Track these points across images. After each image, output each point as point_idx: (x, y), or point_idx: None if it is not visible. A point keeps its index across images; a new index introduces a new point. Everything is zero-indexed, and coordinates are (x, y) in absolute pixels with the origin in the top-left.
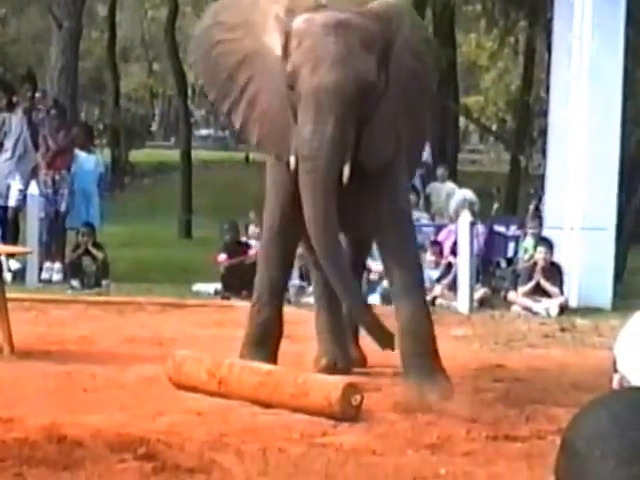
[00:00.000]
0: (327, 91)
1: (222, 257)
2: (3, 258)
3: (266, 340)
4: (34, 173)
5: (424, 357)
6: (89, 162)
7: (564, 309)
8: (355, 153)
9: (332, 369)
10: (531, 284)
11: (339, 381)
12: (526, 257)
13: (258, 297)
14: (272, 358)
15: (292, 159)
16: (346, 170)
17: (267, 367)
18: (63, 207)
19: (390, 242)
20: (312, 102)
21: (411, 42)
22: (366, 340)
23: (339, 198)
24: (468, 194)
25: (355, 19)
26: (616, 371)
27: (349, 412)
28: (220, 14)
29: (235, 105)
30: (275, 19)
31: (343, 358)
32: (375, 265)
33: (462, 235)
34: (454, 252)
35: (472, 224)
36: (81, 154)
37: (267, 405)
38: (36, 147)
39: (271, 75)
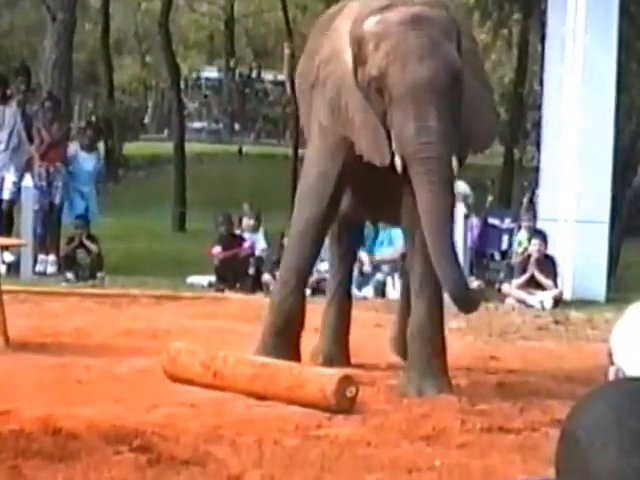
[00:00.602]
0: (423, 85)
1: (216, 249)
2: None
3: (289, 329)
4: (28, 165)
5: (429, 355)
6: (89, 162)
7: (558, 302)
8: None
9: (328, 366)
10: (525, 277)
11: (334, 373)
12: (520, 250)
13: (284, 284)
14: (295, 348)
15: (397, 161)
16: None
17: (262, 359)
18: (57, 200)
19: (418, 237)
20: (409, 99)
21: (463, 25)
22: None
23: (378, 184)
24: (462, 187)
25: (428, 11)
26: (612, 363)
27: (344, 404)
28: (310, 42)
29: (346, 129)
30: (348, 35)
31: (340, 356)
32: (368, 257)
33: (456, 228)
34: None
35: (466, 217)
36: (82, 154)
37: (262, 397)
38: (30, 139)
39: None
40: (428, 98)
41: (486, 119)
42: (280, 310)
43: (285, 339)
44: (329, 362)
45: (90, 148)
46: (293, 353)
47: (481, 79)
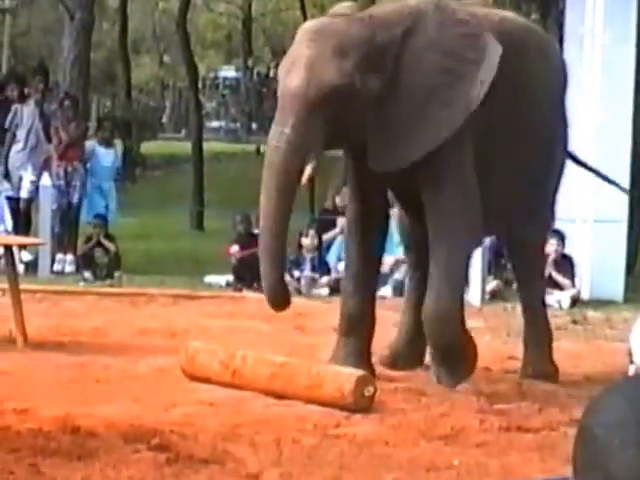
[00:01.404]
0: (289, 94)
1: (234, 249)
2: (15, 249)
3: (354, 331)
4: (46, 164)
5: (447, 341)
6: (108, 157)
7: (576, 301)
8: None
9: (389, 364)
10: None
11: (352, 373)
12: None
13: (343, 289)
14: (362, 348)
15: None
16: (307, 170)
17: (281, 358)
18: (75, 199)
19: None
20: (279, 103)
21: (442, 40)
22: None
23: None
24: None
25: (335, 25)
26: (631, 362)
27: (362, 403)
28: None
29: None
30: None
31: (405, 358)
32: (386, 257)
33: None
34: None
35: None
36: (100, 149)
37: (280, 396)
38: (48, 139)
39: None
40: (290, 107)
41: (398, 142)
42: (342, 313)
43: (351, 340)
44: (391, 362)
45: (107, 143)
46: (360, 353)
47: (426, 98)
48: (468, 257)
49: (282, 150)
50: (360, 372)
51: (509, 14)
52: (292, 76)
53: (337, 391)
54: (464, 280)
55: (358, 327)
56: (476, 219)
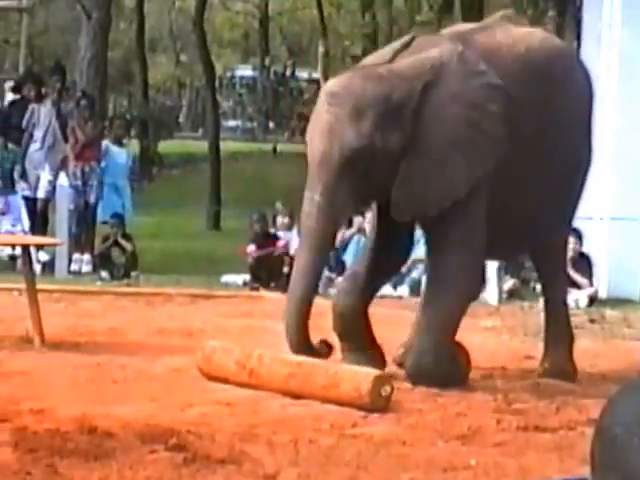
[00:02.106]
0: (316, 160)
1: (251, 248)
2: (33, 249)
3: (348, 334)
4: (63, 164)
5: (425, 326)
6: (121, 155)
7: (593, 300)
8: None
9: (403, 362)
10: None
11: (369, 372)
12: None
13: (339, 286)
14: (363, 348)
15: None
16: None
17: (297, 358)
18: (92, 199)
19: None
20: (309, 170)
21: (464, 93)
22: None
23: None
24: None
25: (352, 86)
26: None
27: (379, 403)
28: None
29: None
30: None
31: None
32: None
33: None
34: None
35: None
36: (114, 147)
37: (297, 396)
38: (65, 138)
39: None
40: (318, 174)
41: (418, 196)
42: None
43: (348, 346)
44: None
45: (120, 141)
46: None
47: (448, 151)
48: (461, 309)
49: (314, 217)
50: (377, 372)
51: (534, 37)
52: (315, 143)
53: (354, 391)
54: (454, 328)
55: (351, 329)
56: (476, 271)
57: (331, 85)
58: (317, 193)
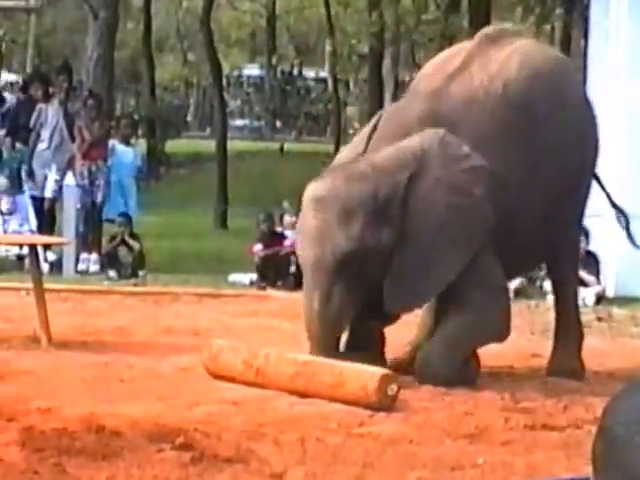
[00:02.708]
0: (309, 268)
1: (258, 247)
2: (40, 249)
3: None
4: (70, 164)
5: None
6: (127, 155)
7: (601, 298)
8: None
9: (412, 363)
10: None
11: (376, 371)
12: None
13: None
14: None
15: None
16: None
17: (304, 357)
18: (99, 198)
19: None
20: (304, 277)
21: (447, 177)
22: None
23: None
24: None
25: (336, 189)
26: None
27: (385, 402)
28: None
29: None
30: None
31: None
32: None
33: None
34: None
35: None
36: (120, 147)
37: (304, 395)
38: (72, 138)
39: None
40: (313, 281)
41: (409, 287)
42: None
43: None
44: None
45: (127, 140)
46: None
47: (435, 237)
48: (483, 340)
49: (315, 326)
50: (384, 371)
51: (519, 67)
52: (305, 250)
53: (361, 390)
54: (470, 346)
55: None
56: (507, 312)
57: (315, 190)
58: (315, 301)
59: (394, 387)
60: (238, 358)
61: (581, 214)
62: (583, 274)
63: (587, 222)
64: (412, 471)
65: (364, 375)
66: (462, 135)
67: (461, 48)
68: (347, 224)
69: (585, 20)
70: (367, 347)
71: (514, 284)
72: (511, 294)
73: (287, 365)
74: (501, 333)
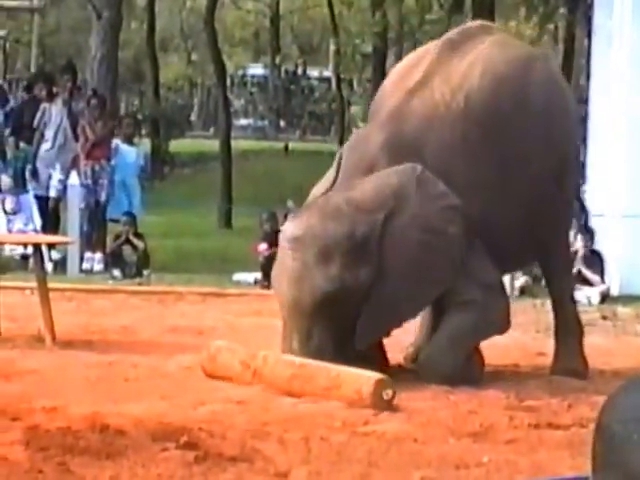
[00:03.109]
0: (288, 310)
1: (262, 246)
2: (44, 248)
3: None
4: (74, 163)
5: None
6: (131, 154)
7: (605, 297)
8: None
9: (415, 361)
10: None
11: (371, 375)
12: None
13: None
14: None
15: None
16: None
17: (300, 360)
18: (103, 197)
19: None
20: (283, 317)
21: (423, 216)
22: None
23: None
24: None
25: (313, 228)
26: None
27: (380, 406)
28: None
29: None
30: None
31: None
32: None
33: None
34: None
35: None
36: (123, 146)
37: (299, 397)
38: (76, 137)
39: None
40: (292, 322)
41: (374, 321)
42: None
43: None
44: (415, 358)
45: (130, 140)
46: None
47: (407, 276)
48: (483, 335)
49: None
50: (379, 375)
51: (496, 69)
52: (284, 291)
53: (356, 393)
54: (472, 342)
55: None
56: (506, 306)
57: (291, 229)
58: (295, 341)
59: (389, 392)
60: (236, 359)
61: (569, 211)
62: (588, 273)
63: (592, 222)
64: (417, 470)
65: (360, 379)
66: (426, 160)
67: (423, 56)
68: (325, 264)
69: (588, 20)
70: (368, 350)
71: (519, 282)
72: (516, 292)
73: (284, 367)
74: (501, 327)
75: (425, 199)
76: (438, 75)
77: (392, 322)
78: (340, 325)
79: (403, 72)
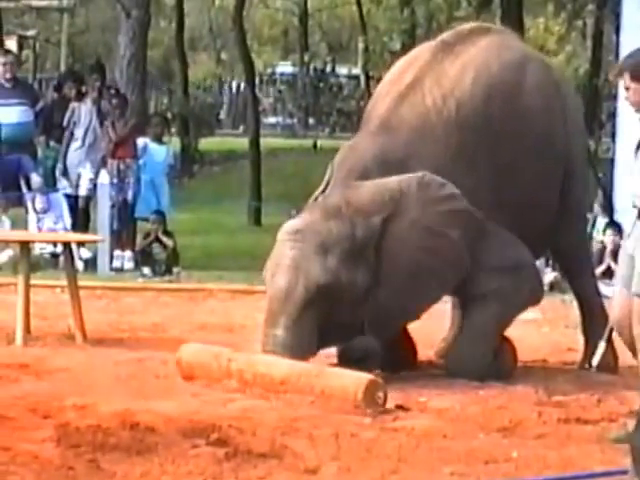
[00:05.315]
0: (277, 296)
1: None
2: (74, 247)
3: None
4: (104, 162)
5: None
6: (160, 153)
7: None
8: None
9: (444, 356)
10: (601, 268)
11: (363, 377)
12: (596, 241)
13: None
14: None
15: None
16: None
17: (290, 361)
18: (130, 196)
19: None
20: (267, 305)
21: (424, 220)
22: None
23: None
24: None
25: (314, 224)
26: None
27: (372, 409)
28: None
29: None
30: None
31: None
32: None
33: None
34: None
35: None
36: (152, 145)
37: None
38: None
39: None
40: (279, 309)
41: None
42: None
43: None
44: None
45: (159, 139)
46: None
47: (407, 281)
48: (516, 310)
49: (279, 355)
50: (370, 377)
51: (489, 74)
52: (278, 278)
53: (348, 396)
54: (504, 325)
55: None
56: (535, 274)
57: (292, 224)
58: (280, 328)
59: (381, 395)
60: (222, 361)
61: (579, 210)
62: (616, 268)
63: (619, 217)
64: (446, 465)
65: (351, 381)
66: (417, 169)
67: (417, 57)
68: (324, 256)
69: (617, 15)
70: (391, 347)
71: (548, 278)
72: (545, 288)
73: (274, 369)
74: (530, 300)
75: (426, 202)
76: (429, 79)
77: (389, 327)
78: (327, 320)
79: (396, 75)
